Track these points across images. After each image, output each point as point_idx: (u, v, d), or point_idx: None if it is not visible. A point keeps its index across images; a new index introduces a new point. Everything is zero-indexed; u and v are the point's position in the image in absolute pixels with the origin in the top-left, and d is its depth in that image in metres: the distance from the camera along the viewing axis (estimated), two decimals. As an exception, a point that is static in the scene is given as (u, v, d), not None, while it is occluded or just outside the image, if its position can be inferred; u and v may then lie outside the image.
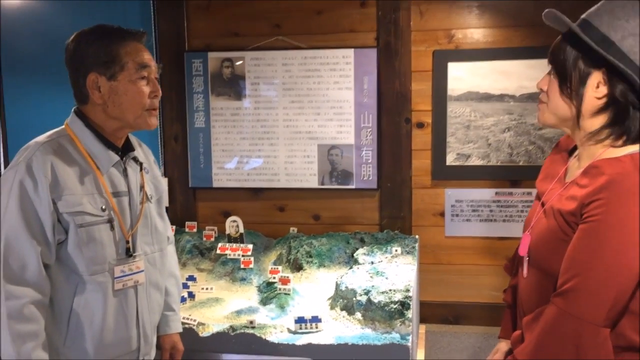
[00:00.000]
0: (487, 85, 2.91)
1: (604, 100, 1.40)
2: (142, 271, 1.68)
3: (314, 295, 2.45)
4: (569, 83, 1.42)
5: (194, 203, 3.28)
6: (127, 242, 1.65)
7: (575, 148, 1.59)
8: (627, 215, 1.29)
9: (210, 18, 3.15)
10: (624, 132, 1.40)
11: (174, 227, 3.03)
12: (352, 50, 2.99)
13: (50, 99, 2.55)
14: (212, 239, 2.97)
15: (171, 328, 1.90)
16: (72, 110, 1.68)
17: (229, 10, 3.12)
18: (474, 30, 2.93)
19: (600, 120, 1.42)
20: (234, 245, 2.77)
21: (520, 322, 1.56)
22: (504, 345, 1.78)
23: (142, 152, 1.82)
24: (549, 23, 1.50)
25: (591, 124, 1.43)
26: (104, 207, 1.60)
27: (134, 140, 1.79)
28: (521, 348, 1.41)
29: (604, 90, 1.39)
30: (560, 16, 1.43)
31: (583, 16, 1.43)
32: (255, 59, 3.09)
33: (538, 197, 1.63)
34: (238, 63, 3.10)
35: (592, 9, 1.42)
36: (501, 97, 2.90)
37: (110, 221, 1.61)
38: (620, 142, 1.41)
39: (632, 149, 1.39)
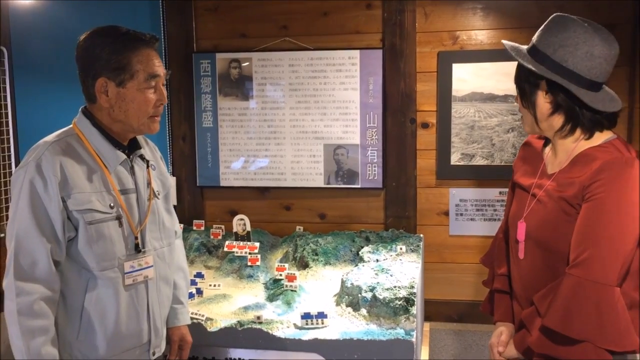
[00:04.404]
0: (491, 86, 2.94)
1: (553, 104, 1.67)
2: (151, 266, 1.71)
3: (320, 292, 2.48)
4: (524, 95, 1.72)
5: (201, 202, 3.33)
6: (136, 238, 1.69)
7: (544, 145, 1.85)
8: (624, 190, 1.55)
9: (218, 20, 3.19)
10: (581, 127, 1.67)
11: (181, 225, 3.08)
12: (358, 51, 3.03)
13: (61, 98, 2.58)
14: (220, 237, 3.01)
15: (180, 320, 1.92)
16: (80, 109, 1.70)
17: (236, 12, 3.17)
18: (478, 32, 2.96)
19: (558, 120, 1.69)
20: (241, 243, 2.81)
21: (518, 303, 1.81)
22: (506, 328, 1.88)
23: (148, 149, 1.85)
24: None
25: (550, 125, 1.70)
26: (112, 204, 1.63)
27: (140, 138, 1.82)
28: (548, 317, 1.56)
29: (550, 96, 1.67)
30: (506, 45, 1.74)
31: (532, 39, 1.72)
32: (262, 60, 3.13)
33: (515, 190, 1.88)
34: (245, 64, 3.14)
35: (537, 32, 1.72)
36: (505, 98, 2.93)
37: (118, 218, 1.64)
38: (588, 134, 1.67)
39: (605, 136, 1.67)
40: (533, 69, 1.64)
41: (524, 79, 1.71)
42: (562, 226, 1.63)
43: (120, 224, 1.65)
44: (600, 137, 1.67)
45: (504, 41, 1.77)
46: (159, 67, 1.67)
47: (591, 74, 1.62)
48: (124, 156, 1.69)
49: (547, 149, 1.82)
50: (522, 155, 1.92)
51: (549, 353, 1.57)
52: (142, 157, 1.77)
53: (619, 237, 1.54)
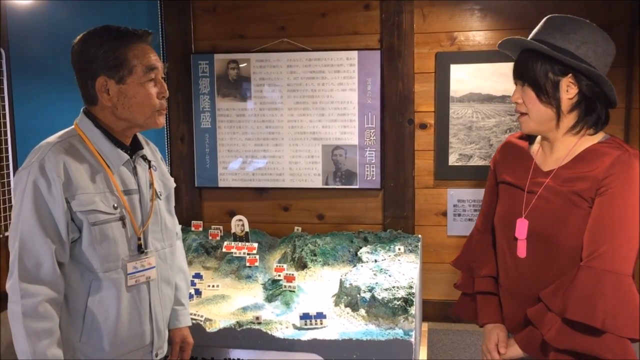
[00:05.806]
0: (489, 87, 2.95)
1: (575, 99, 1.68)
2: (153, 267, 1.71)
3: (319, 293, 2.48)
4: (545, 91, 1.68)
5: (199, 202, 3.33)
6: (139, 239, 1.68)
7: (529, 143, 1.87)
8: (636, 183, 1.59)
9: (217, 20, 3.20)
10: (594, 122, 1.70)
11: (180, 226, 3.08)
12: (356, 52, 3.04)
13: (59, 100, 2.57)
14: (218, 238, 3.01)
15: (181, 322, 1.92)
16: (82, 110, 1.70)
17: (234, 13, 3.17)
18: (476, 33, 2.97)
19: (574, 116, 1.70)
20: (240, 244, 2.81)
21: (515, 303, 1.80)
22: (499, 330, 1.85)
23: (149, 150, 1.85)
24: (502, 50, 1.81)
25: (569, 120, 1.71)
26: (115, 205, 1.63)
27: (141, 138, 1.82)
28: (571, 310, 1.56)
29: (574, 90, 1.67)
30: (520, 40, 1.71)
31: (532, 37, 1.72)
32: (261, 61, 3.13)
33: (503, 189, 1.87)
34: (243, 65, 3.15)
35: (537, 29, 1.72)
36: (503, 99, 2.94)
37: (122, 219, 1.64)
38: (591, 131, 1.71)
39: (602, 134, 1.72)
40: (571, 62, 1.62)
41: (543, 74, 1.67)
42: (572, 220, 1.65)
43: (124, 225, 1.65)
44: (599, 135, 1.72)
45: (519, 37, 1.72)
46: (156, 60, 1.67)
47: (604, 72, 1.67)
48: (126, 156, 1.69)
49: (536, 148, 1.82)
50: (503, 157, 1.92)
51: (570, 347, 1.57)
52: (144, 158, 1.77)
53: (634, 229, 1.58)
